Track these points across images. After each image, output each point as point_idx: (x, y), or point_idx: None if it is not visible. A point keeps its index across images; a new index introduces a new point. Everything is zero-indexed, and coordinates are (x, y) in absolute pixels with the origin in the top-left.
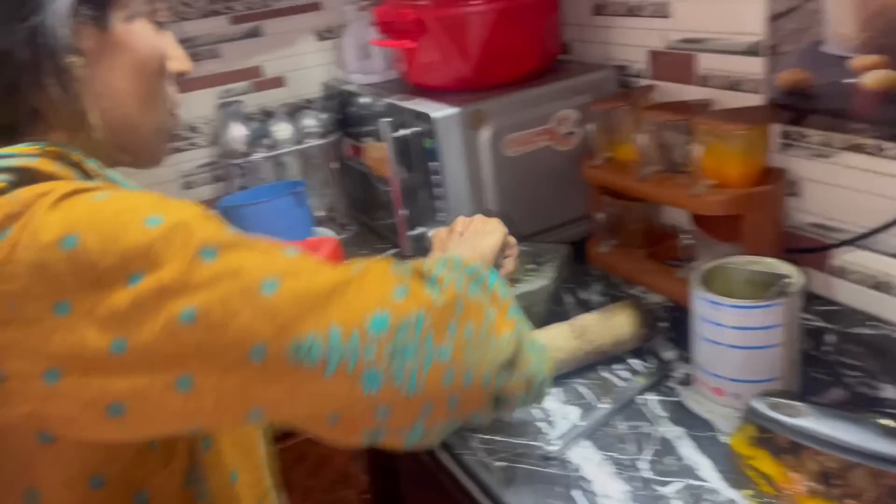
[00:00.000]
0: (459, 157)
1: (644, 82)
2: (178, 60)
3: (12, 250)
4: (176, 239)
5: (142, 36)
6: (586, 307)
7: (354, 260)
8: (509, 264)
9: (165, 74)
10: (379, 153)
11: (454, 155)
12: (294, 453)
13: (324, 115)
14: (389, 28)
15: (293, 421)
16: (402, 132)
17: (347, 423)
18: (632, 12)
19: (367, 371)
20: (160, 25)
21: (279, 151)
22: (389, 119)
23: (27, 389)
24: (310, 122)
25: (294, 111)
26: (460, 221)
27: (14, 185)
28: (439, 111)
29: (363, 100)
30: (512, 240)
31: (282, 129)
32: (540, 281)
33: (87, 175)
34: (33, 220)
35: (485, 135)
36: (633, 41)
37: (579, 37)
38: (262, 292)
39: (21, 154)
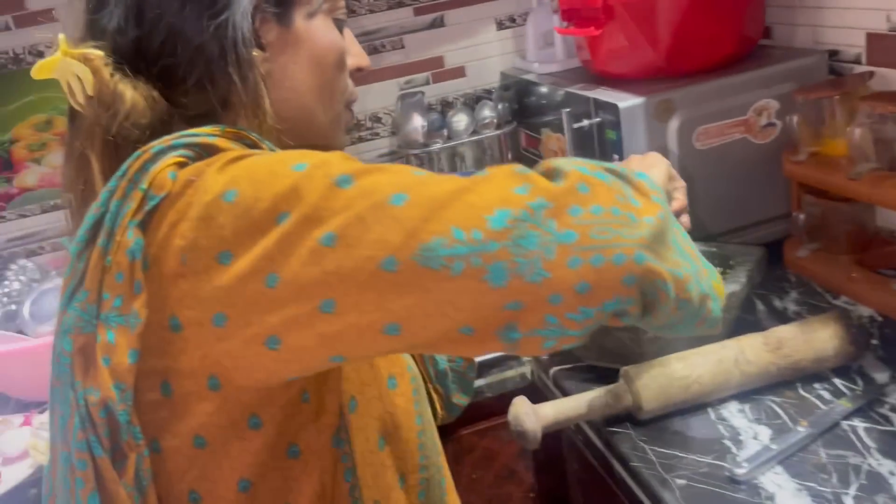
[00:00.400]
0: (644, 150)
1: (860, 69)
2: (357, 56)
3: (185, 210)
4: (317, 174)
5: (321, 32)
6: (781, 317)
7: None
8: (680, 197)
9: (343, 69)
10: (557, 144)
11: (639, 147)
12: (461, 445)
13: (500, 106)
14: (574, 15)
15: (428, 340)
16: (584, 122)
17: (480, 330)
18: None
19: (491, 264)
20: (340, 23)
21: (456, 142)
22: (570, 109)
23: (200, 335)
24: (487, 112)
25: (472, 102)
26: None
27: (193, 160)
28: (625, 101)
29: (542, 89)
30: (676, 174)
31: (459, 120)
32: (730, 286)
33: None
34: (203, 182)
35: (672, 126)
36: (849, 22)
37: (783, 19)
38: (391, 204)
39: (203, 133)
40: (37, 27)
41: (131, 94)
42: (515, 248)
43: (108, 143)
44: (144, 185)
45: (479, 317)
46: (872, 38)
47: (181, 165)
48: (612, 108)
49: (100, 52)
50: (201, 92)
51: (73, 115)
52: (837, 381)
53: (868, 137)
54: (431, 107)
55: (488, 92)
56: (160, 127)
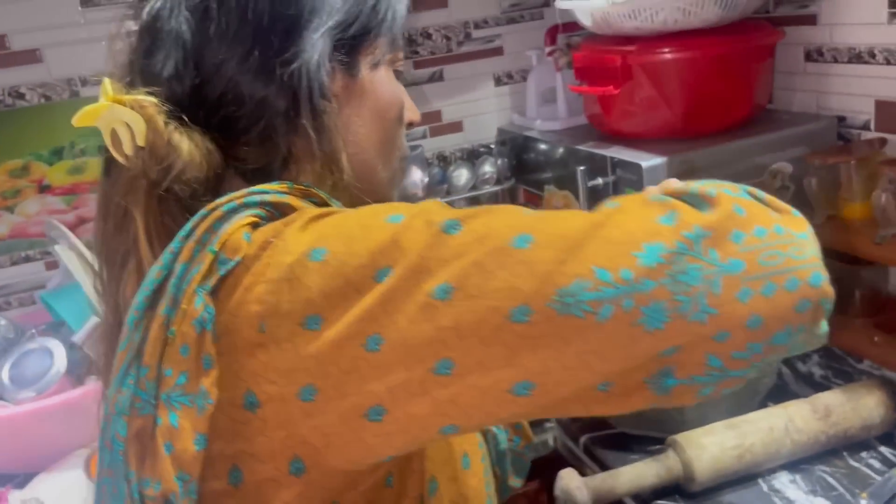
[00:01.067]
0: None
1: (868, 135)
2: (410, 110)
3: (263, 272)
4: (417, 224)
5: (385, 83)
6: (809, 381)
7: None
8: None
9: (402, 123)
10: (563, 202)
11: None
12: None
13: (499, 161)
14: (589, 74)
15: (561, 399)
16: (598, 180)
17: (624, 381)
18: (858, 59)
19: (647, 306)
20: (398, 74)
21: (456, 197)
22: (584, 167)
23: (283, 412)
24: (488, 168)
25: (470, 156)
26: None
27: (266, 220)
28: (648, 160)
29: (543, 146)
30: None
31: (460, 175)
32: None
33: None
34: (284, 243)
35: None
36: (856, 90)
37: (787, 85)
38: (515, 247)
39: (272, 191)
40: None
41: (188, 146)
42: (675, 286)
43: (153, 198)
44: (215, 248)
45: (627, 367)
46: (881, 106)
47: (254, 226)
48: (635, 167)
49: (153, 100)
50: (263, 145)
51: (109, 166)
52: (884, 449)
53: (892, 202)
54: (429, 161)
55: (486, 147)
56: (212, 181)
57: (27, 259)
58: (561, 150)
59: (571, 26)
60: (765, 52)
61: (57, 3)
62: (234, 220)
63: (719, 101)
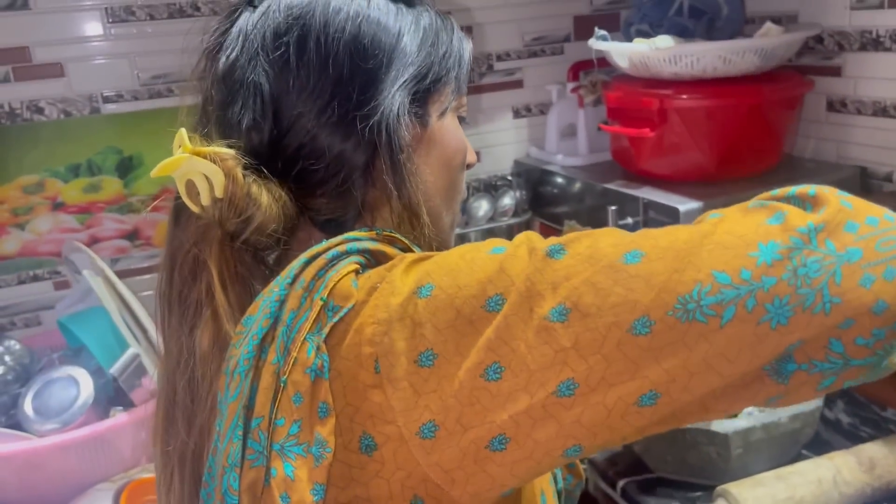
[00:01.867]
0: None
1: (890, 187)
2: (469, 152)
3: (373, 314)
4: (521, 253)
5: (452, 131)
6: (838, 429)
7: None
8: None
9: (464, 168)
10: None
11: None
12: None
13: (518, 193)
14: (622, 114)
15: (686, 405)
16: (629, 220)
17: (746, 381)
18: (883, 112)
19: (771, 303)
20: (462, 120)
21: (473, 229)
22: (616, 207)
23: (402, 452)
24: (507, 201)
25: (487, 188)
26: None
27: (365, 267)
28: (684, 204)
29: (562, 180)
30: None
31: (479, 206)
32: (810, 403)
33: None
34: (390, 286)
35: None
36: (879, 142)
37: (807, 132)
38: (626, 263)
39: (365, 237)
40: (41, 81)
41: (266, 198)
42: (795, 280)
43: (226, 247)
44: (324, 295)
45: (753, 366)
46: None
47: (356, 272)
48: (670, 210)
49: (232, 152)
50: (340, 197)
51: (179, 213)
52: None
53: None
54: None
55: (503, 178)
56: (286, 231)
57: (35, 278)
58: (582, 185)
59: (593, 64)
60: (795, 102)
61: (82, 16)
62: (339, 267)
63: (751, 147)
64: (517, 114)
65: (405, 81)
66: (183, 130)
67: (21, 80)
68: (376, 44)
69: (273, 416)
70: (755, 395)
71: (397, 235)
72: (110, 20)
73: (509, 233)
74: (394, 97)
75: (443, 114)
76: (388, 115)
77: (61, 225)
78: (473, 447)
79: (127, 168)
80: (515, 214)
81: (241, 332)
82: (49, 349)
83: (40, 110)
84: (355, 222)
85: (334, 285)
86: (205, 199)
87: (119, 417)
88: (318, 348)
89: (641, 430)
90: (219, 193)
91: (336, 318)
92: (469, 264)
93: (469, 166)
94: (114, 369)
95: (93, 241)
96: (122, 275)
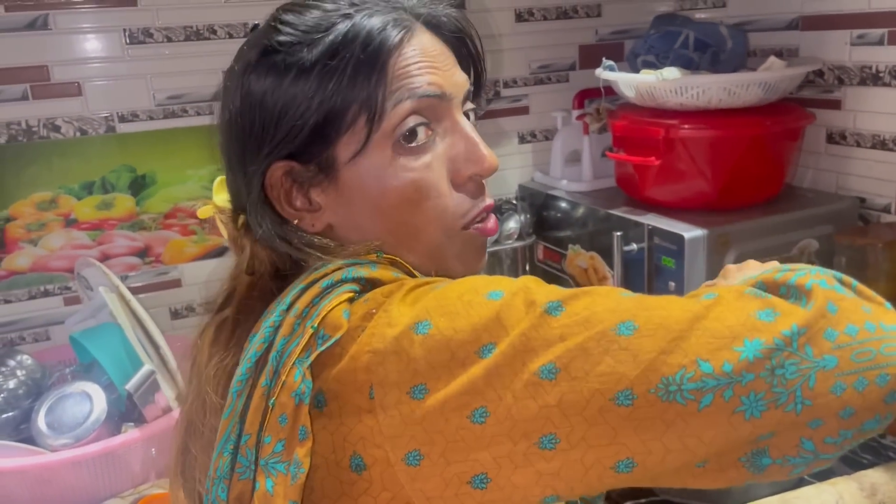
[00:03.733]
0: (700, 279)
1: (888, 218)
2: (471, 161)
3: (369, 342)
4: (518, 303)
5: (370, 170)
6: (846, 457)
7: (703, 290)
8: None
9: (428, 198)
10: (590, 262)
11: (695, 276)
12: None
13: (523, 217)
14: (628, 142)
15: (660, 474)
16: (633, 246)
17: (720, 459)
18: (882, 146)
19: (746, 396)
20: (413, 136)
21: None
22: (621, 233)
23: (388, 475)
24: (512, 224)
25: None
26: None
27: (359, 293)
28: (689, 231)
29: (566, 205)
30: None
31: None
32: None
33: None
34: (387, 315)
35: (729, 259)
36: (878, 174)
37: (806, 163)
38: (618, 334)
39: (364, 262)
40: (59, 99)
41: (249, 245)
42: (772, 379)
43: (245, 276)
44: (315, 324)
45: (725, 449)
46: None
47: (350, 300)
48: (676, 237)
49: (226, 205)
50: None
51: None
52: None
53: None
54: None
55: (509, 202)
56: (291, 263)
57: (46, 294)
58: (586, 210)
59: (598, 92)
60: (796, 134)
61: (101, 37)
62: (332, 296)
63: (754, 176)
64: (522, 139)
65: (270, 150)
66: (221, 180)
67: (39, 99)
68: (257, 115)
69: (261, 434)
70: (732, 480)
71: (398, 259)
72: (128, 41)
73: (514, 255)
74: (257, 171)
75: (357, 155)
76: (256, 189)
77: (73, 241)
78: (456, 480)
79: (140, 186)
80: (520, 238)
81: (246, 348)
82: (60, 364)
83: (57, 128)
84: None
85: (326, 314)
86: (226, 241)
87: (131, 433)
88: (304, 374)
89: (619, 486)
90: (225, 238)
91: (324, 347)
92: (466, 307)
93: (480, 176)
94: (129, 385)
95: (104, 258)
96: (132, 291)
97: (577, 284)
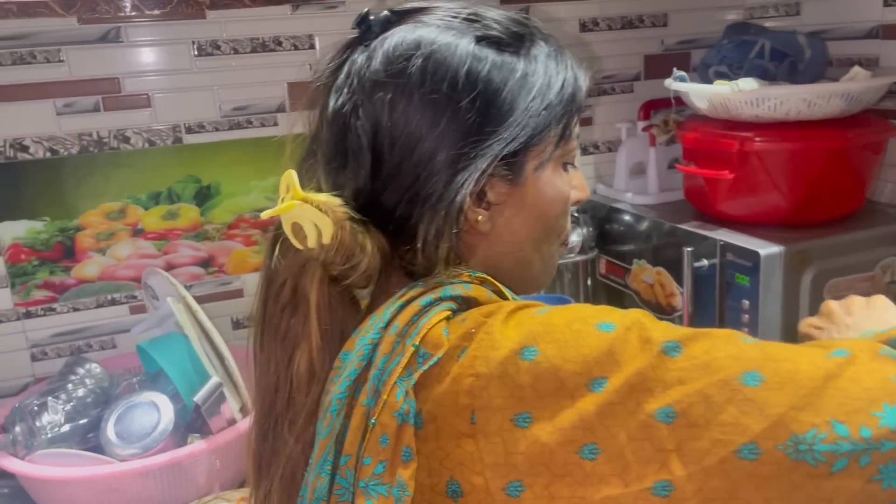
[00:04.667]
0: (776, 298)
1: None
2: (579, 188)
3: (472, 365)
4: (633, 339)
5: (549, 183)
6: None
7: (829, 342)
8: None
9: (566, 214)
10: (654, 278)
11: (771, 295)
12: None
13: (586, 230)
14: (699, 155)
15: None
16: (704, 262)
17: None
18: None
19: (885, 465)
20: (567, 166)
21: None
22: (692, 248)
23: (486, 503)
24: (574, 238)
25: None
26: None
27: (456, 312)
28: (765, 248)
29: (630, 218)
30: None
31: None
32: None
33: (506, 300)
34: (489, 337)
35: (807, 277)
36: None
37: (886, 177)
38: (743, 384)
39: (458, 281)
40: (129, 111)
41: (371, 248)
42: None
43: (325, 284)
44: (416, 342)
45: None
46: None
47: (448, 319)
48: (751, 254)
49: (340, 202)
50: (431, 250)
51: (276, 243)
52: None
53: None
54: None
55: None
56: (379, 274)
57: (113, 302)
58: (651, 224)
59: (665, 102)
60: (880, 147)
61: (171, 49)
62: (431, 314)
63: (833, 191)
64: (585, 150)
65: (496, 144)
66: (293, 174)
67: (110, 110)
68: (471, 104)
69: (360, 455)
70: None
71: (489, 278)
72: (196, 53)
73: (574, 269)
74: (480, 161)
75: (540, 166)
76: (471, 180)
77: (140, 251)
78: None
79: (205, 197)
80: (582, 251)
81: (338, 367)
82: (126, 372)
83: (126, 139)
84: (444, 269)
85: (426, 332)
86: (311, 243)
87: (197, 444)
88: (407, 394)
89: None
90: (326, 241)
91: (426, 366)
92: (576, 337)
93: (578, 202)
94: (198, 397)
95: (168, 267)
96: (195, 301)
97: (642, 300)
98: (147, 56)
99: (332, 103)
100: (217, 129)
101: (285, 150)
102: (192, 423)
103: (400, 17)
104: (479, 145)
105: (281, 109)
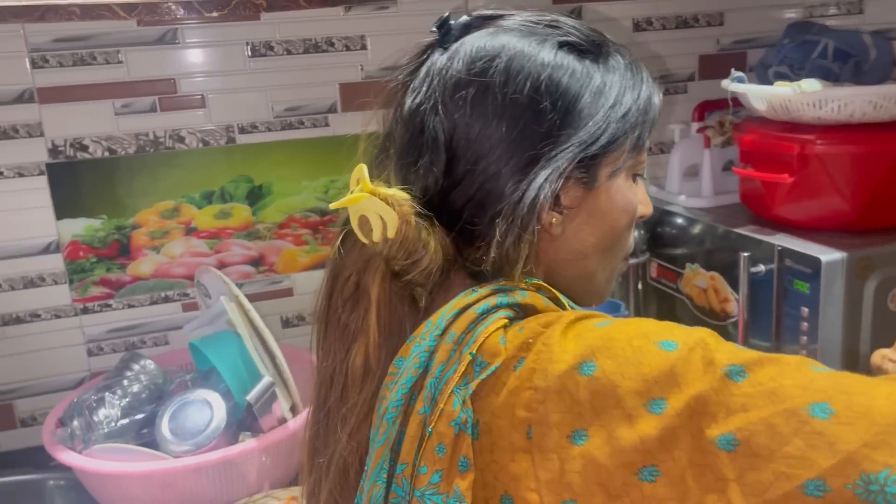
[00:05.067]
0: (837, 307)
1: None
2: (644, 204)
3: (530, 378)
4: (696, 360)
5: (620, 192)
6: None
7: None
8: None
9: (632, 227)
10: (708, 283)
11: (832, 303)
12: None
13: (637, 234)
14: (757, 158)
15: None
16: (761, 268)
17: None
18: None
19: None
20: (636, 178)
21: None
22: (749, 253)
23: None
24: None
25: None
26: None
27: (514, 320)
28: (827, 254)
29: (683, 221)
30: None
31: None
32: None
33: (562, 307)
34: (548, 349)
35: (871, 285)
36: None
37: None
38: (812, 416)
39: (515, 287)
40: (184, 112)
41: (434, 245)
42: None
43: (387, 280)
44: (473, 350)
45: None
46: None
47: (504, 328)
48: (811, 260)
49: (408, 197)
50: (496, 252)
51: (345, 239)
52: None
53: None
54: None
55: None
56: (440, 274)
57: (166, 300)
58: (704, 227)
59: (720, 104)
60: None
61: (226, 51)
62: (488, 322)
63: None
64: None
65: (575, 146)
66: (363, 167)
67: (166, 111)
68: (552, 106)
69: (417, 463)
70: None
71: (544, 285)
72: (251, 54)
73: (625, 273)
74: (560, 161)
75: (614, 174)
76: (552, 178)
77: (193, 249)
78: None
79: (256, 196)
80: (633, 255)
81: (394, 373)
82: (178, 368)
83: (181, 139)
84: (506, 274)
85: (483, 341)
86: (376, 237)
87: (249, 443)
88: (464, 402)
89: None
90: (391, 234)
91: (483, 375)
92: (636, 354)
93: (642, 218)
94: (251, 396)
95: (220, 266)
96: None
97: (695, 305)
98: (202, 57)
99: (408, 102)
100: (269, 130)
101: (355, 147)
102: (242, 421)
103: (480, 21)
104: (558, 147)
105: (332, 110)
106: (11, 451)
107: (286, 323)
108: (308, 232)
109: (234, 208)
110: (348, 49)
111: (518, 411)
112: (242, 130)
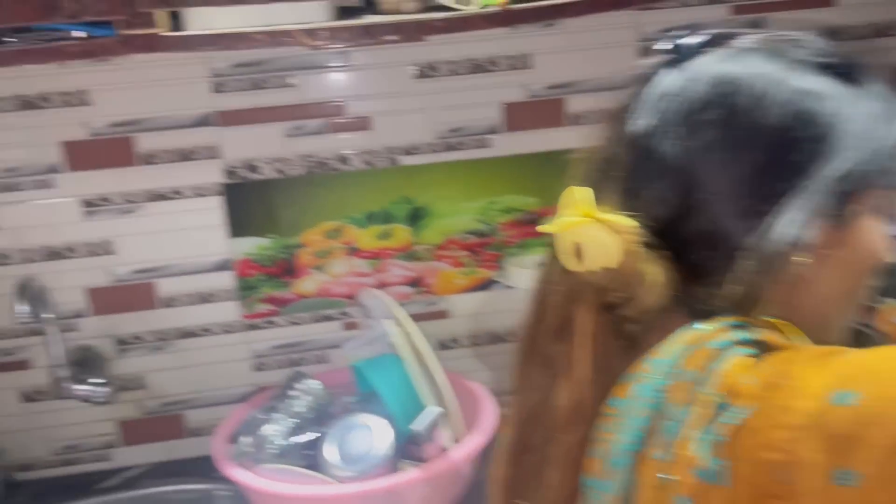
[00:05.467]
0: None
1: None
2: (887, 252)
3: (778, 416)
4: None
5: (867, 233)
6: None
7: None
8: None
9: (874, 272)
10: None
11: None
12: None
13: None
14: None
15: None
16: None
17: None
18: None
19: None
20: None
21: None
22: None
23: None
24: None
25: None
26: None
27: (756, 356)
28: None
29: None
30: None
31: None
32: None
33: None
34: (791, 382)
35: None
36: None
37: None
38: None
39: (751, 324)
40: (350, 133)
41: (657, 280)
42: None
43: (597, 312)
44: (714, 390)
45: None
46: None
47: (744, 365)
48: None
49: (635, 225)
50: (726, 289)
51: (557, 266)
52: None
53: None
54: None
55: None
56: (657, 311)
57: (328, 318)
58: None
59: None
60: None
61: (393, 73)
62: (728, 358)
63: None
64: None
65: (829, 180)
66: (586, 191)
67: (334, 132)
68: (804, 135)
69: None
70: None
71: (784, 322)
72: (418, 76)
73: None
74: (813, 196)
75: (865, 213)
76: (804, 215)
77: (354, 269)
78: None
79: (416, 217)
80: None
81: (612, 414)
82: (342, 390)
83: (346, 160)
84: (730, 314)
85: (724, 380)
86: (591, 265)
87: (413, 472)
88: (709, 448)
89: None
90: (613, 264)
91: (732, 420)
92: None
93: (886, 264)
94: (418, 425)
95: (380, 286)
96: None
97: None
98: (369, 79)
99: (634, 125)
100: (433, 151)
101: (569, 169)
102: (403, 448)
103: (715, 41)
104: (810, 180)
105: (493, 131)
106: (178, 460)
107: (442, 345)
108: (466, 254)
109: (394, 229)
110: (514, 69)
111: (766, 454)
112: (406, 152)
